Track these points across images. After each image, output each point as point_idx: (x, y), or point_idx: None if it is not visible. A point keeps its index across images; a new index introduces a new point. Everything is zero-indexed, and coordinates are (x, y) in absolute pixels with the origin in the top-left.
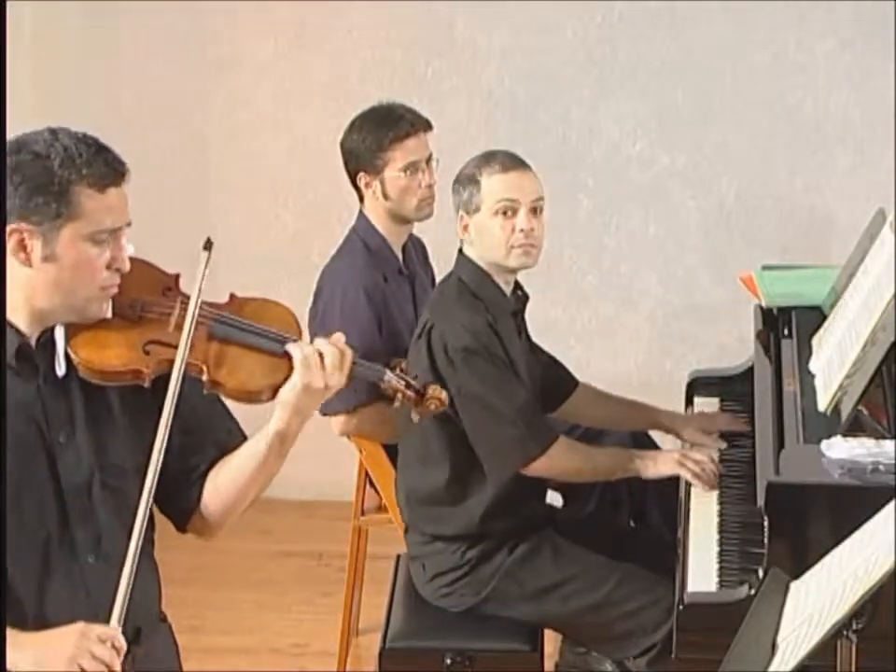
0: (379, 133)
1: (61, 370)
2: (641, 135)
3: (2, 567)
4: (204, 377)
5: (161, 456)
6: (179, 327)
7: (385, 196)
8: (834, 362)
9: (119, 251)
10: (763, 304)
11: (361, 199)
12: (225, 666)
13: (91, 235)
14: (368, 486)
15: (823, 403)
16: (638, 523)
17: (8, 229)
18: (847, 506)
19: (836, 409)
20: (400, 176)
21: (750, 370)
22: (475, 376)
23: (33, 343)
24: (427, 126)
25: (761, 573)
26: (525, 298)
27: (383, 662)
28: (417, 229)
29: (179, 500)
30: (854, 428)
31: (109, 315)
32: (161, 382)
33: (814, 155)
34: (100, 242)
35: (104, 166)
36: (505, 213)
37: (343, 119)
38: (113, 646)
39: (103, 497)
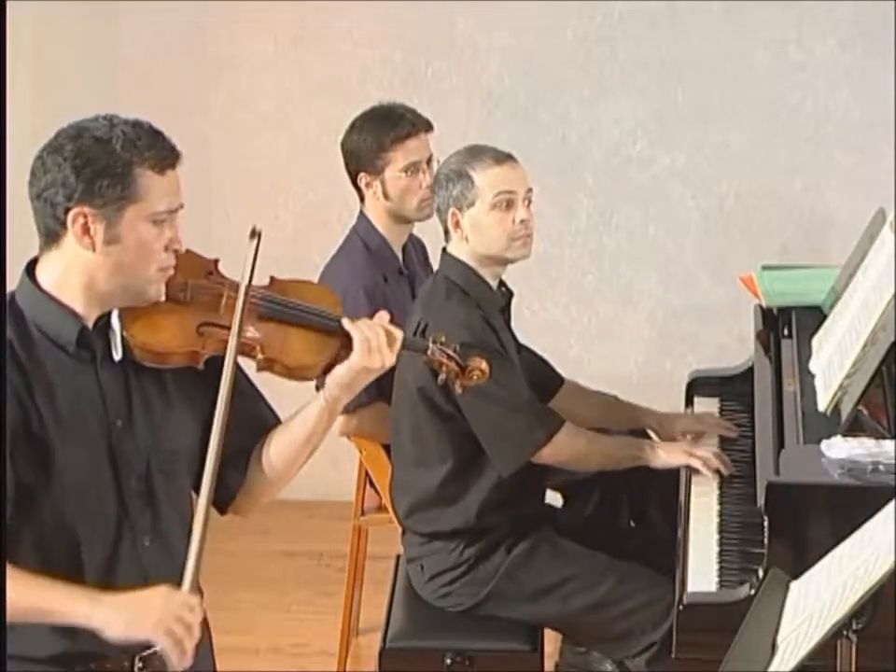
0: (380, 133)
1: (118, 354)
2: (641, 135)
3: (2, 567)
4: (259, 356)
5: (222, 433)
6: (230, 308)
7: (386, 196)
8: (834, 362)
9: (176, 232)
10: (763, 304)
11: (362, 199)
12: (225, 666)
13: (152, 216)
14: (368, 486)
15: (823, 403)
16: (638, 523)
17: (72, 214)
18: (847, 506)
19: (836, 409)
20: (401, 177)
21: (750, 370)
22: None
23: (90, 329)
24: (428, 126)
25: (761, 573)
26: (510, 294)
27: (383, 662)
28: (417, 229)
29: (225, 481)
30: (854, 428)
31: (163, 297)
32: (211, 363)
33: (814, 155)
34: (159, 223)
35: (162, 149)
36: (503, 206)
37: (343, 119)
38: (199, 609)
39: (159, 480)
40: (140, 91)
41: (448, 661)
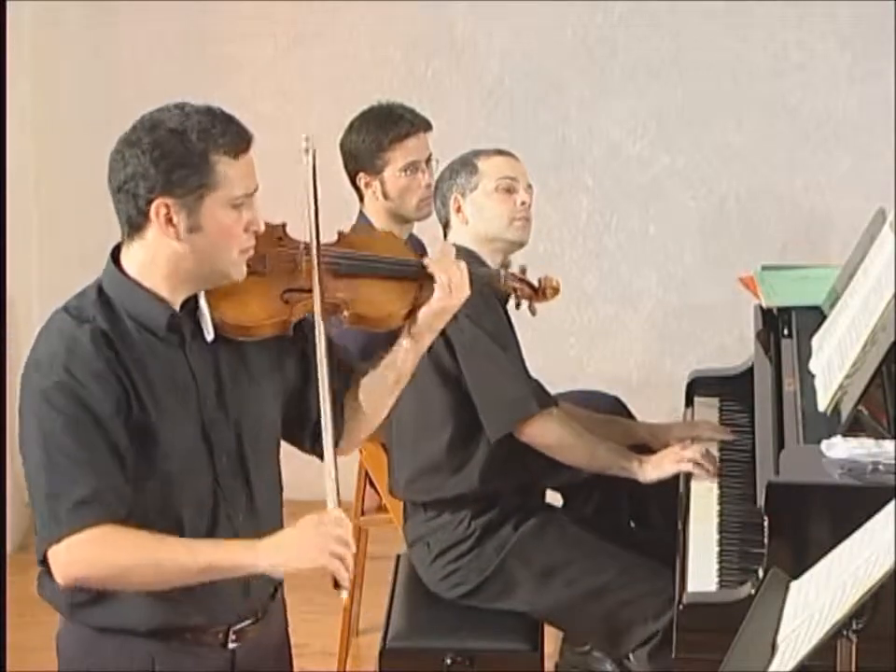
0: (379, 133)
1: (210, 335)
2: (641, 135)
3: (2, 567)
4: (345, 313)
5: (329, 387)
6: (309, 271)
7: (385, 196)
8: (834, 362)
9: (255, 214)
10: (763, 304)
11: (361, 199)
12: None
13: (231, 201)
14: (368, 486)
15: (823, 403)
16: (638, 523)
17: (154, 205)
18: (847, 506)
19: (836, 409)
20: (400, 176)
21: (750, 370)
22: (481, 330)
23: (182, 317)
24: (427, 126)
25: (761, 573)
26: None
27: (383, 662)
28: (417, 229)
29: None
30: (854, 428)
31: (244, 275)
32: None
33: (814, 155)
34: (238, 207)
35: (236, 134)
36: (505, 190)
37: (343, 119)
38: (349, 525)
39: (249, 455)
40: (140, 91)
41: (448, 661)
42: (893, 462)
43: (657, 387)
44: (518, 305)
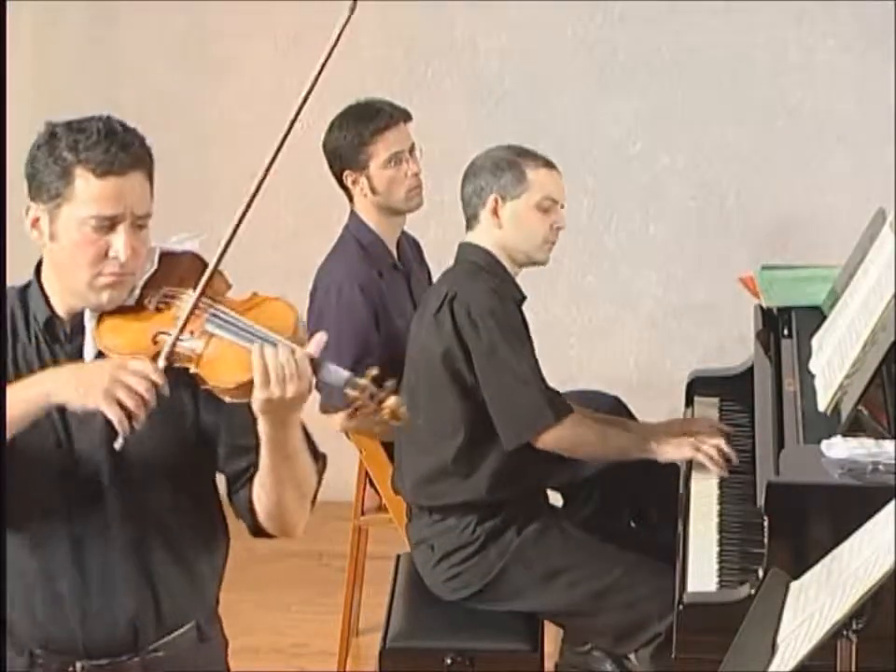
0: (359, 127)
1: (88, 354)
2: (641, 135)
3: (2, 567)
4: (192, 369)
5: None
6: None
7: (373, 190)
8: (834, 362)
9: (120, 240)
10: (763, 304)
11: (350, 198)
12: None
13: (86, 220)
14: (368, 486)
15: (823, 403)
16: (638, 523)
17: (28, 206)
18: (847, 506)
19: (836, 409)
20: (386, 168)
21: (750, 370)
22: (498, 338)
23: (67, 325)
24: (407, 116)
25: (761, 573)
26: (523, 298)
27: (383, 662)
28: (416, 229)
29: (238, 503)
30: (854, 428)
31: (131, 301)
32: (177, 375)
33: (814, 155)
34: (98, 228)
35: (103, 153)
36: (545, 209)
37: None
38: (149, 379)
39: (110, 482)
40: (140, 91)
41: (448, 661)
42: (893, 462)
43: (657, 387)
44: (352, 415)
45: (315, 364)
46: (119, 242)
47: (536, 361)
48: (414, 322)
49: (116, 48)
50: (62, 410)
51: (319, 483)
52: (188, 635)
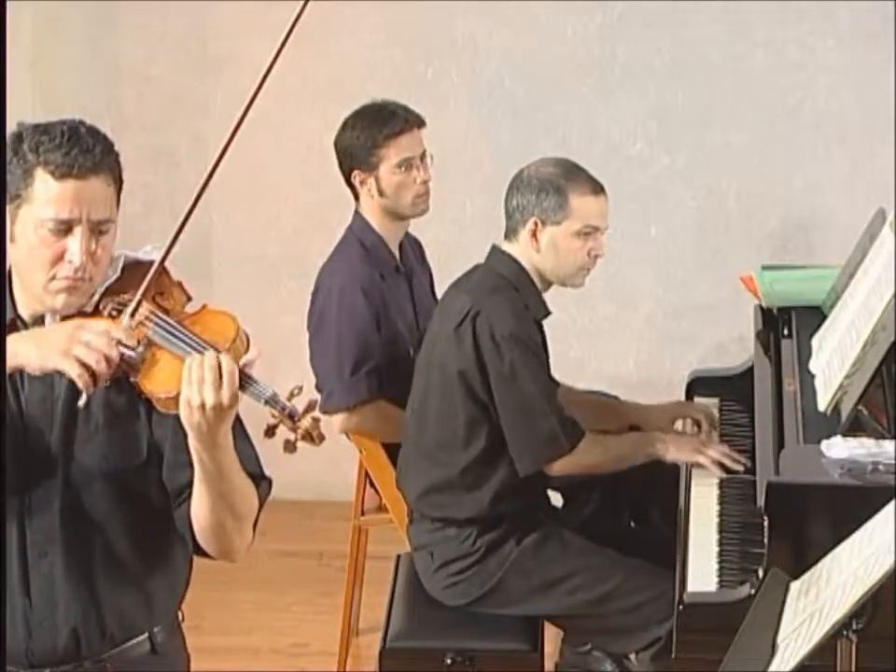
0: (372, 129)
1: None
2: (641, 135)
3: (2, 568)
4: (132, 378)
5: None
6: (129, 325)
7: (381, 193)
8: (834, 362)
9: (76, 244)
10: (763, 304)
11: (356, 197)
12: (225, 666)
13: (43, 222)
14: (368, 486)
15: (823, 403)
16: (638, 523)
17: None
18: (847, 506)
19: (836, 409)
20: (395, 173)
21: (750, 370)
22: (519, 363)
23: (29, 327)
24: (421, 122)
25: (761, 573)
26: (547, 313)
27: (383, 662)
28: (416, 229)
29: (178, 519)
30: (854, 428)
31: (89, 307)
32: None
33: (814, 155)
34: (55, 231)
35: (63, 156)
36: (586, 235)
37: (342, 120)
38: (110, 336)
39: (61, 495)
40: (140, 91)
41: (448, 661)
42: (893, 462)
43: (657, 387)
44: (269, 434)
45: (244, 378)
46: (74, 246)
47: (551, 380)
48: (429, 328)
49: (116, 48)
50: (20, 412)
51: (260, 507)
52: (139, 647)
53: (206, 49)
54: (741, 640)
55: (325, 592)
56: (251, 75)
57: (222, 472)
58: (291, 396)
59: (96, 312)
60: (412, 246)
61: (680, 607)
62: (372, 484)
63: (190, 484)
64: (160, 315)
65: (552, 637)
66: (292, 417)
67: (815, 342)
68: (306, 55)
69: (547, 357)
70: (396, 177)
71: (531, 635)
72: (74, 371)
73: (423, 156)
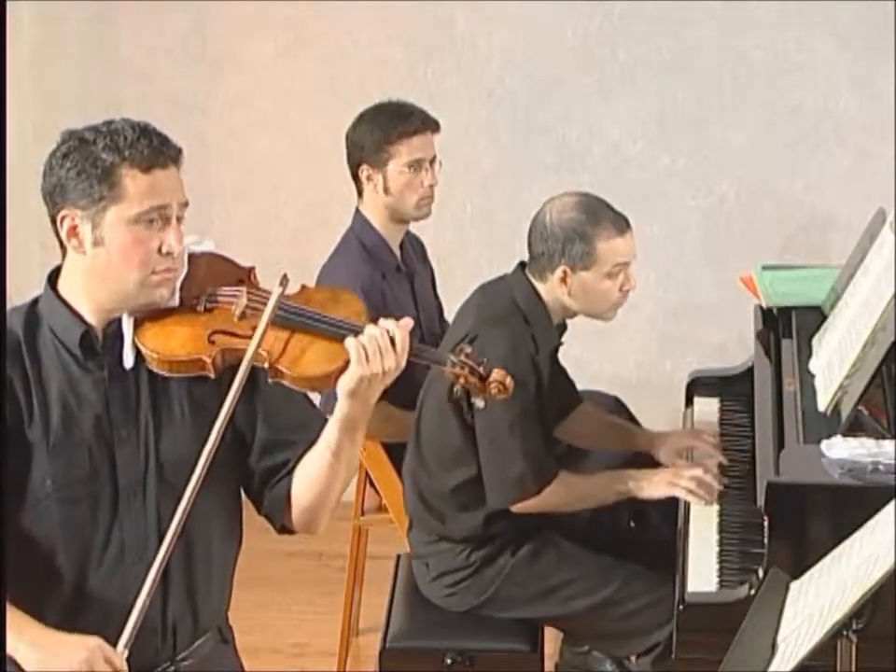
0: (388, 126)
1: (128, 361)
2: (641, 135)
3: (2, 569)
4: (266, 365)
5: (214, 450)
6: (244, 316)
7: (386, 190)
8: (834, 362)
9: (171, 234)
10: (763, 304)
11: (360, 193)
12: None
13: (137, 217)
14: (368, 486)
15: (823, 403)
16: (638, 523)
17: (60, 216)
18: (846, 506)
19: (836, 409)
20: (404, 171)
21: (750, 370)
22: (502, 405)
23: (100, 334)
24: (436, 127)
25: (761, 573)
26: (565, 328)
27: (383, 662)
28: (415, 228)
29: (271, 498)
30: (854, 428)
31: (175, 303)
32: (230, 375)
33: (814, 155)
34: (148, 224)
35: (146, 147)
36: (615, 274)
37: (342, 120)
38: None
39: (157, 495)
40: (140, 91)
41: (448, 661)
42: (893, 462)
43: (657, 387)
44: (451, 396)
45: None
46: (170, 236)
47: (536, 424)
48: (448, 330)
49: (116, 48)
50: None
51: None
52: (210, 639)
53: (206, 49)
54: (741, 640)
55: (325, 592)
56: (251, 75)
57: (359, 433)
58: (460, 353)
59: (189, 308)
60: (413, 245)
61: (681, 607)
62: (372, 484)
63: (289, 462)
64: (286, 302)
65: (552, 638)
66: (482, 377)
67: (815, 342)
68: (306, 55)
69: (539, 397)
70: (404, 177)
71: (531, 635)
72: None
73: (433, 160)
